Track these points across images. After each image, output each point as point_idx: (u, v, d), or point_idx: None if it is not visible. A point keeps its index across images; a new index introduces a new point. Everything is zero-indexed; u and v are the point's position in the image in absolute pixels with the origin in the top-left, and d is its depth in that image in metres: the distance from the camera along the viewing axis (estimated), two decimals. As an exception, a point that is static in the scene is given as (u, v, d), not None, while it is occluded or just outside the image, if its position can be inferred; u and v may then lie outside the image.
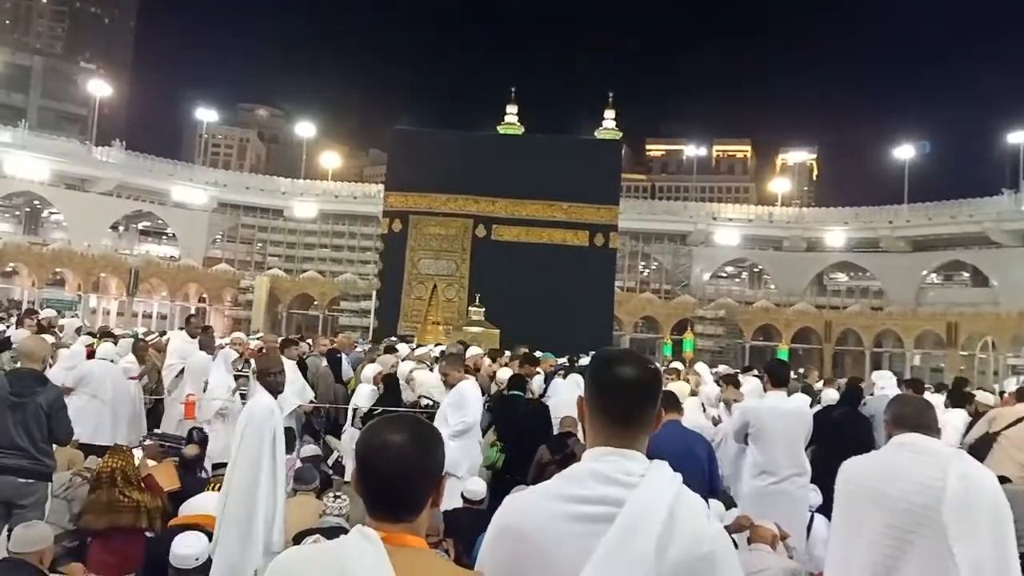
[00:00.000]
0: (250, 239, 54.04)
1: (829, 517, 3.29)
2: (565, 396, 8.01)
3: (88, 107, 62.73)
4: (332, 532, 4.22)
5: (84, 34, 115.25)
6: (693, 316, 44.83)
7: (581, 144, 36.05)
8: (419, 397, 7.65)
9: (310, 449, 7.35)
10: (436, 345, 14.12)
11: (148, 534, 5.14)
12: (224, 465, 5.78)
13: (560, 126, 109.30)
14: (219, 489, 5.36)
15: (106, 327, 14.57)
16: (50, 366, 6.76)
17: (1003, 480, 6.30)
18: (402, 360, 10.05)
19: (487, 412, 7.62)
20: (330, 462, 8.38)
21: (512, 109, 73.12)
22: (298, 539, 4.32)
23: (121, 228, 51.92)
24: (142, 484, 5.36)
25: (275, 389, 5.16)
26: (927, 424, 2.69)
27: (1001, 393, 10.98)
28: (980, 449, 6.00)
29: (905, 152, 53.01)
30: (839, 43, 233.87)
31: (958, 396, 8.23)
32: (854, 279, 53.19)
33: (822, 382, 12.66)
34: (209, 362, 8.38)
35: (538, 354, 10.86)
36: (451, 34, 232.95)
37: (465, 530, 4.63)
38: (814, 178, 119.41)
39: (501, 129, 66.72)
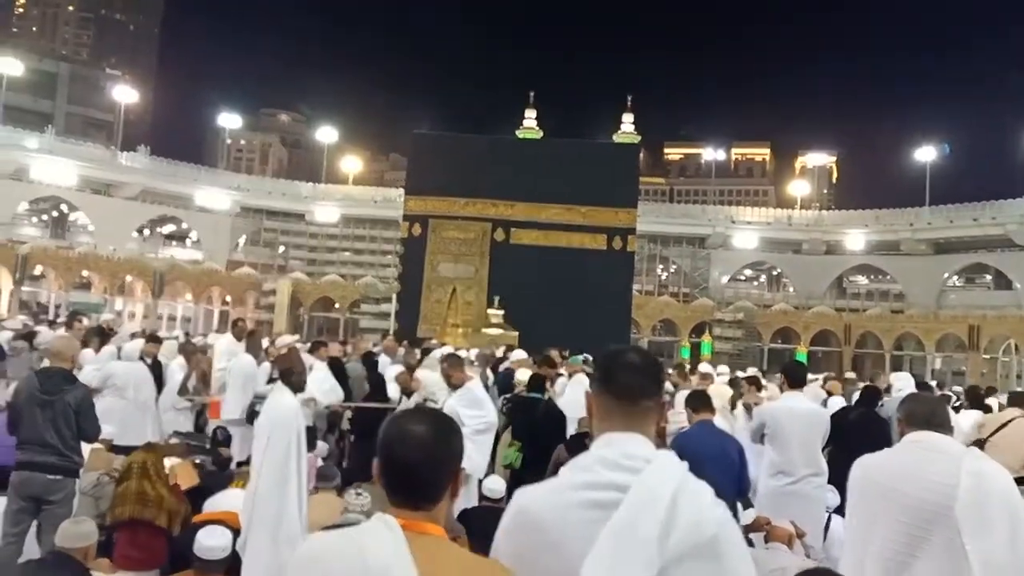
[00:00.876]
0: (272, 243, 54.47)
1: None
2: (570, 395, 8.10)
3: (114, 113, 63.63)
4: (354, 528, 4.28)
5: (110, 40, 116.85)
6: (711, 319, 44.65)
7: (599, 148, 36.03)
8: (424, 399, 7.70)
9: (324, 448, 7.46)
10: (470, 349, 14.20)
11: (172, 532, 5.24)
12: (246, 463, 5.90)
13: (578, 130, 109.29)
14: (243, 486, 5.47)
15: (155, 331, 14.78)
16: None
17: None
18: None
19: (503, 414, 7.70)
20: None
21: (531, 113, 73.20)
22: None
23: (146, 232, 52.53)
24: (168, 482, 5.47)
25: (298, 388, 5.28)
26: (940, 422, 2.71)
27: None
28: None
29: (926, 154, 52.52)
30: (859, 44, 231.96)
31: (975, 401, 8.19)
32: (874, 282, 52.72)
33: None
34: (253, 365, 8.40)
35: (573, 357, 10.95)
36: (471, 38, 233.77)
37: (485, 528, 4.68)
38: (834, 180, 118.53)
39: (520, 133, 66.79)
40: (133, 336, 11.78)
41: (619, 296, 27.31)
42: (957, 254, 48.04)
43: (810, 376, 9.80)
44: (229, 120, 64.92)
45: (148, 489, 5.09)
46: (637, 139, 66.72)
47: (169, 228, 54.09)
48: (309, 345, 10.78)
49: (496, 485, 5.83)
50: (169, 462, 6.14)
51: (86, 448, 5.59)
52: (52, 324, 11.35)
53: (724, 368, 13.90)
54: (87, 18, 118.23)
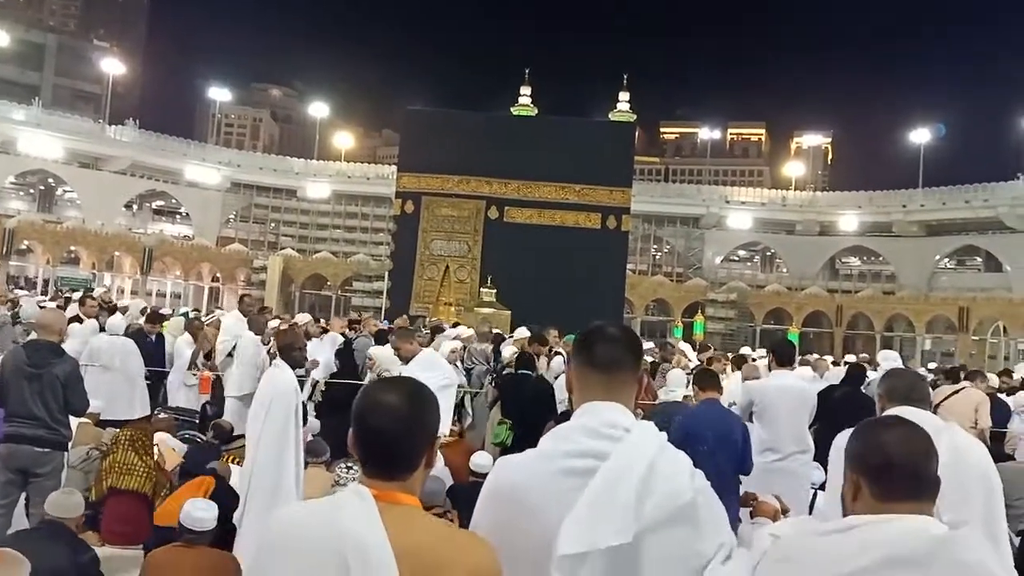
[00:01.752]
0: (263, 219, 54.26)
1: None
2: (556, 371, 8.15)
3: (102, 85, 62.92)
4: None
5: (98, 12, 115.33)
6: (704, 299, 44.81)
7: (595, 126, 35.88)
8: (378, 375, 7.65)
9: (315, 425, 7.47)
10: (487, 327, 14.24)
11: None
12: (240, 437, 5.91)
13: (574, 108, 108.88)
14: (236, 462, 5.49)
15: (157, 308, 14.73)
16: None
17: (1008, 458, 6.40)
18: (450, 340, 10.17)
19: (493, 389, 7.73)
20: None
21: (526, 91, 72.83)
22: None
23: (135, 207, 52.23)
24: (154, 456, 5.49)
25: (298, 364, 5.31)
26: (919, 397, 2.74)
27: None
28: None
29: (920, 136, 52.52)
30: (856, 25, 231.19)
31: (955, 380, 8.41)
32: (866, 263, 52.91)
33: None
34: (257, 343, 8.30)
35: (568, 336, 10.95)
36: (466, 14, 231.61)
37: (471, 502, 4.72)
38: (828, 162, 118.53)
39: (515, 111, 66.49)
40: (143, 312, 11.71)
41: (613, 275, 27.35)
42: (949, 236, 48.23)
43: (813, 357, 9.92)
44: (219, 94, 64.41)
45: (134, 461, 5.11)
46: (633, 118, 66.51)
47: (158, 203, 53.80)
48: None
49: (484, 460, 5.86)
50: (158, 437, 6.15)
51: (74, 422, 5.59)
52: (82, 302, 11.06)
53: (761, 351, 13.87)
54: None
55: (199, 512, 4.13)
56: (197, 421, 7.78)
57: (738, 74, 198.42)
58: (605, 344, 1.80)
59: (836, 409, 6.35)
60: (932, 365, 18.73)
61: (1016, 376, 12.43)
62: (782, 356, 6.14)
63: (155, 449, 5.67)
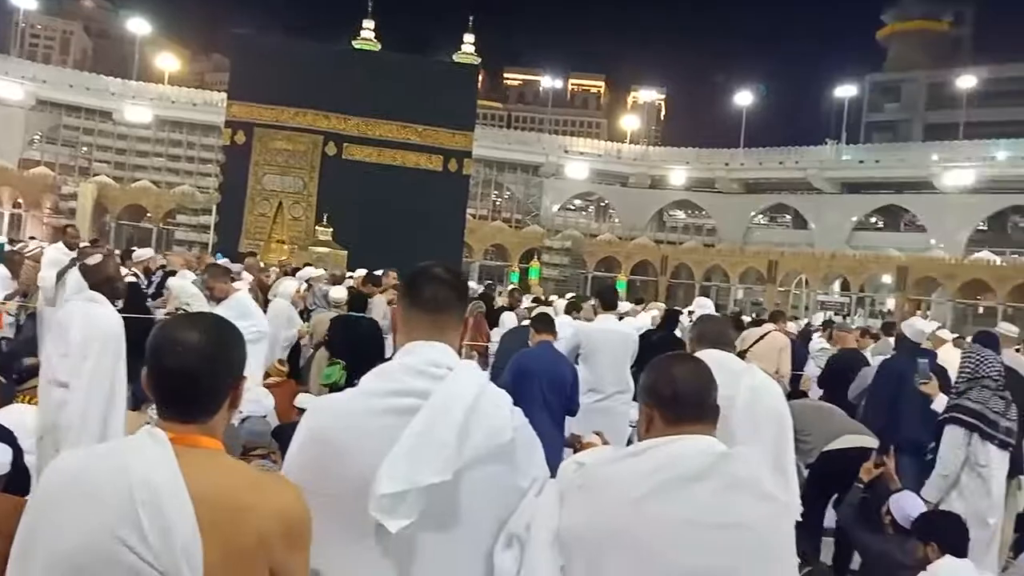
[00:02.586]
0: (74, 142, 49.52)
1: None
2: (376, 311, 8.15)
3: None
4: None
5: None
6: (541, 246, 45.97)
7: (439, 67, 35.32)
8: (176, 309, 7.28)
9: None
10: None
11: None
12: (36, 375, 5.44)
13: (418, 46, 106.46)
14: (31, 401, 5.06)
15: None
16: None
17: (802, 395, 7.06)
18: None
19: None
20: None
21: (369, 24, 70.20)
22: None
23: (-81, 121, 46.20)
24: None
25: (118, 297, 4.92)
26: (726, 341, 2.97)
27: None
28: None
29: (744, 98, 55.91)
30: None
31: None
32: (691, 217, 56.11)
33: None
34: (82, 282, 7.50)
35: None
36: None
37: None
38: (662, 118, 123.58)
39: (356, 44, 64.06)
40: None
41: (452, 219, 27.37)
42: (764, 194, 52.09)
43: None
44: (24, 1, 57.50)
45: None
46: (477, 61, 65.92)
47: (-51, 118, 47.80)
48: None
49: (309, 400, 5.76)
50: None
51: None
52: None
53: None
54: None
55: (-6, 456, 3.78)
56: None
57: (582, 25, 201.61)
58: (432, 285, 1.78)
59: (652, 352, 6.74)
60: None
61: (815, 324, 13.74)
62: (607, 301, 6.42)
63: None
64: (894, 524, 3.89)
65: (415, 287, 1.80)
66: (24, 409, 4.79)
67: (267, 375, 6.70)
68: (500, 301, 12.69)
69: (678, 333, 8.23)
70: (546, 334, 5.40)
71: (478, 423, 1.61)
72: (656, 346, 6.42)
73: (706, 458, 1.64)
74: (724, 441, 1.74)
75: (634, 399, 6.16)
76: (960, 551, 3.32)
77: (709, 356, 2.87)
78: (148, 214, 44.36)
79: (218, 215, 28.77)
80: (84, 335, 4.60)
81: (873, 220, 50.44)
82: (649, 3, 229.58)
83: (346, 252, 20.98)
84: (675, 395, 1.73)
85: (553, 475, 1.77)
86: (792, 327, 10.08)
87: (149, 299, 8.40)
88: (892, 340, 8.22)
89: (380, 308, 8.60)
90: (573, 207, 56.92)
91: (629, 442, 6.17)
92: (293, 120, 25.92)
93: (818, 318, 22.45)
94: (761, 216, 53.77)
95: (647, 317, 9.97)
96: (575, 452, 4.86)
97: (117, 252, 12.51)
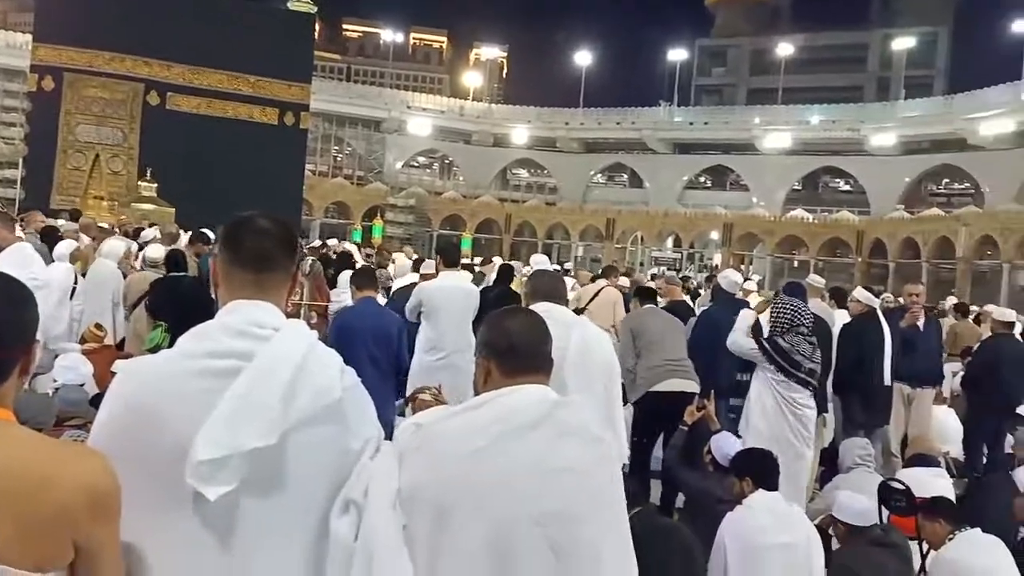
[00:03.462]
0: None
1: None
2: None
3: None
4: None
5: None
6: (384, 203, 45.26)
7: (272, 13, 33.45)
8: None
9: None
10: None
11: None
12: None
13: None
14: None
15: None
16: None
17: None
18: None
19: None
20: None
21: (194, -37, 65.43)
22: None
23: None
24: None
25: None
26: (558, 295, 3.06)
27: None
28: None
29: (583, 58, 57.18)
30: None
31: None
32: (533, 175, 57.05)
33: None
34: None
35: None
36: None
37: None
38: (504, 75, 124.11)
39: (180, -15, 59.54)
40: None
41: (290, 175, 26.37)
42: (602, 154, 53.79)
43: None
44: None
45: None
46: (314, 9, 63.05)
47: None
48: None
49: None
50: None
51: None
52: None
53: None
54: None
55: None
56: None
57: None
58: (255, 238, 1.66)
59: (490, 307, 6.82)
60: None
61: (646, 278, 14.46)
62: (448, 258, 6.42)
63: None
64: (714, 463, 4.19)
65: (235, 240, 1.67)
66: None
67: (83, 340, 6.25)
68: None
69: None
70: (368, 290, 5.36)
71: (305, 384, 1.54)
72: (494, 302, 6.50)
73: (541, 407, 1.68)
74: (557, 391, 1.78)
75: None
76: (772, 485, 3.61)
77: (543, 309, 2.95)
78: (-60, 167, 39.66)
79: (25, 169, 26.21)
80: None
81: (702, 180, 53.41)
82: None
83: (173, 210, 19.71)
84: (511, 347, 1.76)
85: (388, 435, 1.74)
86: (624, 282, 10.55)
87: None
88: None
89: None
90: (417, 164, 56.33)
91: (471, 398, 6.28)
92: (109, 66, 23.85)
93: (652, 272, 23.63)
94: (600, 175, 55.54)
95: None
96: (413, 409, 4.87)
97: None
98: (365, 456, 1.64)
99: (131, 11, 23.26)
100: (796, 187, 50.25)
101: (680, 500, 5.09)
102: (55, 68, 23.55)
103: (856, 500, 3.94)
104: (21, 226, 9.79)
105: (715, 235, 45.39)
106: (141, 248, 9.31)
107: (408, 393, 4.82)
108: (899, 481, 4.66)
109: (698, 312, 7.63)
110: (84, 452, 1.43)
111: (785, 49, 55.01)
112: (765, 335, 5.06)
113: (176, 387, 1.52)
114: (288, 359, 1.54)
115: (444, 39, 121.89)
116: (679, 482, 4.65)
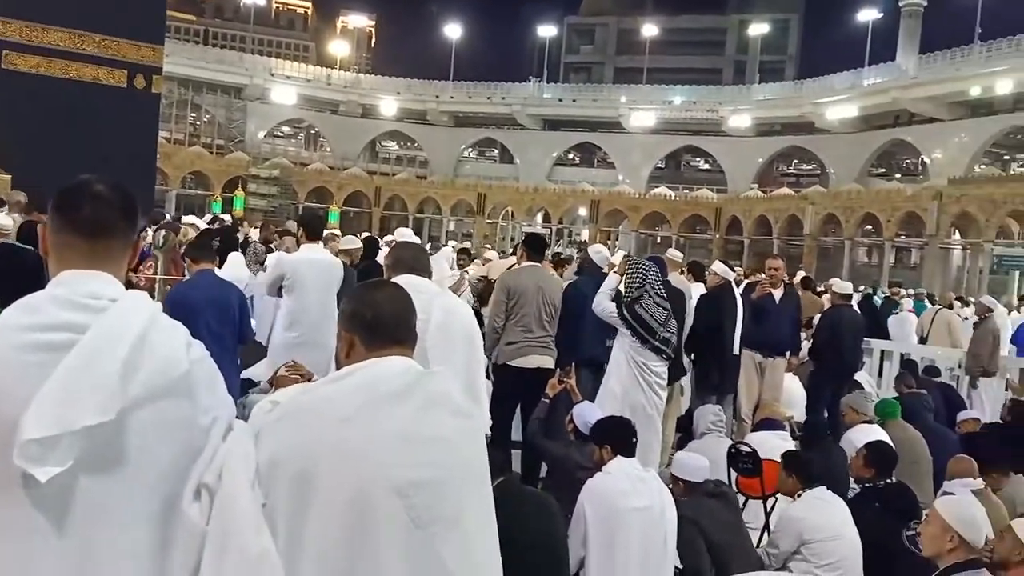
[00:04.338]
0: None
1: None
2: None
3: None
4: None
5: None
6: (246, 174, 43.43)
7: (120, -33, 31.26)
8: None
9: None
10: None
11: None
12: None
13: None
14: None
15: None
16: None
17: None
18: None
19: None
20: None
21: (28, -92, 59.95)
22: None
23: None
24: None
25: None
26: (422, 267, 3.06)
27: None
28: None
29: (453, 31, 56.78)
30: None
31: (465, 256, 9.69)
32: (403, 148, 56.41)
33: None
34: None
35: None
36: None
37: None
38: (372, 45, 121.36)
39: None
40: None
41: (142, 142, 24.45)
42: (473, 128, 53.79)
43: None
44: None
45: None
46: (167, -34, 59.48)
47: None
48: None
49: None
50: None
51: None
52: None
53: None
54: None
55: None
56: None
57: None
58: (91, 203, 1.54)
59: (356, 278, 6.72)
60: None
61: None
62: (311, 230, 6.26)
63: None
64: (576, 431, 4.32)
65: (69, 206, 1.54)
66: None
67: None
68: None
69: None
70: (204, 262, 5.19)
71: (146, 356, 1.46)
72: (360, 275, 6.40)
73: (406, 377, 1.67)
74: (419, 361, 1.78)
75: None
76: (630, 451, 3.77)
77: (405, 280, 2.93)
78: None
79: None
80: None
81: (571, 156, 54.49)
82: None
83: (10, 177, 18.14)
84: (375, 319, 1.74)
85: (239, 413, 1.68)
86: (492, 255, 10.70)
87: None
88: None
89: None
90: (281, 134, 54.44)
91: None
92: (-69, 18, 21.57)
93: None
94: (471, 150, 55.56)
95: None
96: (275, 389, 4.77)
97: None
98: (215, 435, 1.57)
99: (-46, -43, 21.09)
100: (659, 165, 52.17)
101: (544, 470, 5.23)
102: None
103: (692, 458, 4.31)
104: None
105: (583, 211, 46.50)
106: None
107: (270, 374, 4.69)
108: (746, 444, 4.99)
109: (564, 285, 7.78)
110: None
111: (650, 30, 56.68)
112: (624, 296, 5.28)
113: (2, 362, 1.41)
114: (127, 331, 1.45)
115: (309, 4, 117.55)
116: (542, 451, 4.76)
